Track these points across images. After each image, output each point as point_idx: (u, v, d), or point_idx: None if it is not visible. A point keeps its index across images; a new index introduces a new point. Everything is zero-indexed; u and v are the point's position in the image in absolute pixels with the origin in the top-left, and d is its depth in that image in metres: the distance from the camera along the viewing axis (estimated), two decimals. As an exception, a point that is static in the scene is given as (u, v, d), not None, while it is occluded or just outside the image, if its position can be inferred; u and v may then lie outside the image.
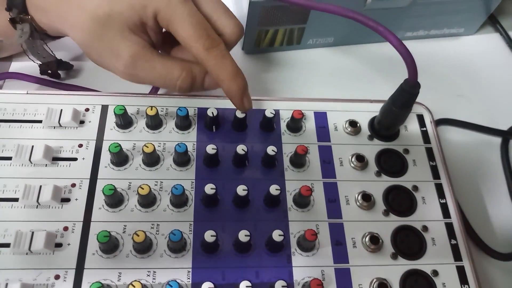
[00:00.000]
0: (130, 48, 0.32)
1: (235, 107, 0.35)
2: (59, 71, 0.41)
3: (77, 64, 0.42)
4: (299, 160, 0.34)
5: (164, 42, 0.36)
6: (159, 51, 0.35)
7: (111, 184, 0.30)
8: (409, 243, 0.32)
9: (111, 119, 0.34)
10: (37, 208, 0.30)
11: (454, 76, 0.47)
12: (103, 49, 0.33)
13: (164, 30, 0.35)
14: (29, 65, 0.40)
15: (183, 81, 0.33)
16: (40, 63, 0.39)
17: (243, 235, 0.29)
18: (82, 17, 0.33)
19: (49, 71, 0.40)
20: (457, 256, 0.32)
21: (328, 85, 0.44)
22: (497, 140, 0.43)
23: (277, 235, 0.29)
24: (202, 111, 0.35)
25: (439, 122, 0.43)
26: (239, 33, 0.35)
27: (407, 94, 0.32)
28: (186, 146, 0.32)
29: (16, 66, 0.42)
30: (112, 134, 0.34)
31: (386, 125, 0.35)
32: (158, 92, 0.40)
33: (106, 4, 0.32)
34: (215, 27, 0.34)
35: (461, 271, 0.31)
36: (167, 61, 0.33)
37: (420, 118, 0.38)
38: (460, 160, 0.41)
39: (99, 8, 0.32)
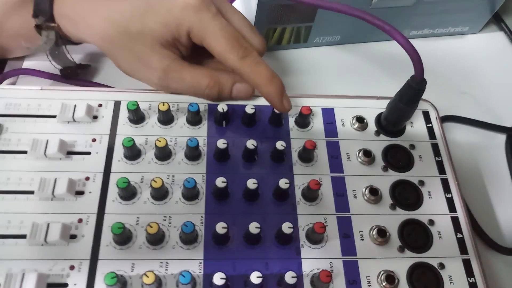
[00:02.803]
0: (161, 62, 0.33)
1: (244, 104, 0.35)
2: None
3: (90, 62, 0.43)
4: (307, 155, 0.34)
5: (196, 54, 0.37)
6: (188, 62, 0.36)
7: (125, 177, 0.30)
8: (416, 236, 0.33)
9: (123, 114, 0.35)
10: (52, 200, 0.31)
11: (458, 74, 0.48)
12: (133, 60, 0.34)
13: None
14: (42, 63, 0.41)
15: (210, 90, 0.34)
16: (61, 67, 0.40)
17: (253, 227, 0.29)
18: (112, 30, 0.34)
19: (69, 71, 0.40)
20: (463, 250, 0.33)
21: (335, 82, 0.45)
22: (502, 137, 0.43)
23: (286, 228, 0.30)
24: (212, 107, 0.36)
25: (444, 119, 0.43)
26: (263, 50, 0.36)
27: (413, 90, 0.33)
28: (198, 140, 0.32)
29: (28, 63, 0.43)
30: (125, 129, 0.35)
31: (392, 121, 0.36)
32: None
33: (138, 19, 0.33)
34: None
35: (467, 264, 0.32)
36: (195, 72, 0.34)
37: (426, 115, 0.39)
38: (465, 156, 0.41)
39: (130, 23, 0.33)
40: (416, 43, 0.32)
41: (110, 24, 0.34)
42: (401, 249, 0.32)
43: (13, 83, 0.41)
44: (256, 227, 0.29)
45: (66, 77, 0.40)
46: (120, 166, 0.33)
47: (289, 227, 0.30)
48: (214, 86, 0.34)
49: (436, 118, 0.38)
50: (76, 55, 0.41)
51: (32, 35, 0.36)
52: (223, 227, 0.29)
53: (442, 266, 0.32)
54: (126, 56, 0.34)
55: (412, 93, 0.33)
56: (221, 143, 0.33)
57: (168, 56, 0.34)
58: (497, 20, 0.51)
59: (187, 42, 0.34)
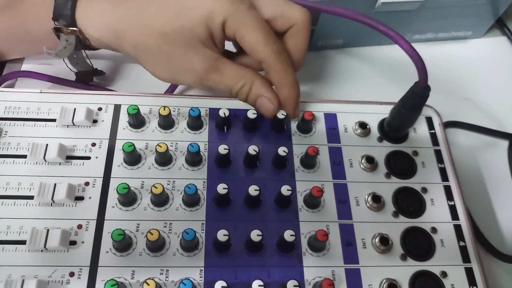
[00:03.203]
0: (204, 62, 0.32)
1: (246, 108, 0.35)
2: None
3: (95, 64, 0.42)
4: (309, 161, 0.34)
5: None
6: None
7: (125, 183, 0.30)
8: (418, 244, 0.32)
9: (123, 118, 0.35)
10: (51, 206, 0.31)
11: (461, 79, 0.48)
12: (173, 65, 0.33)
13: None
14: (40, 66, 0.41)
15: (241, 93, 0.34)
16: (76, 71, 0.39)
17: (255, 235, 0.29)
18: (144, 36, 0.32)
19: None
20: (465, 258, 0.32)
21: (337, 87, 0.45)
22: (504, 143, 0.43)
23: (288, 235, 0.29)
24: (213, 111, 0.36)
25: (447, 125, 0.43)
26: (307, 15, 0.34)
27: (417, 97, 0.33)
28: (199, 146, 0.32)
29: (27, 66, 0.42)
30: (125, 133, 0.34)
31: (395, 127, 0.36)
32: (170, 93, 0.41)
33: (173, 20, 0.32)
34: (284, 21, 0.34)
35: (469, 273, 0.32)
36: (235, 71, 0.33)
37: (429, 121, 0.38)
38: (468, 162, 0.41)
39: (166, 25, 0.32)
40: (418, 47, 0.32)
41: (142, 31, 0.32)
42: (403, 257, 0.32)
43: (12, 85, 0.41)
44: (258, 235, 0.29)
45: (80, 80, 0.40)
46: (120, 171, 0.32)
47: (291, 235, 0.29)
48: (246, 87, 0.33)
49: (439, 124, 0.38)
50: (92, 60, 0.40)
51: (48, 38, 0.35)
52: (224, 234, 0.29)
53: (444, 274, 0.31)
54: (164, 62, 0.33)
55: (415, 99, 0.33)
56: (222, 149, 0.32)
57: (210, 56, 0.33)
58: (500, 25, 0.51)
59: (222, 36, 0.33)
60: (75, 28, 0.35)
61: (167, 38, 0.32)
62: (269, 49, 0.32)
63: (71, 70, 0.39)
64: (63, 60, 0.37)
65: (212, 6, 0.32)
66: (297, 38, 0.34)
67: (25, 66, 0.42)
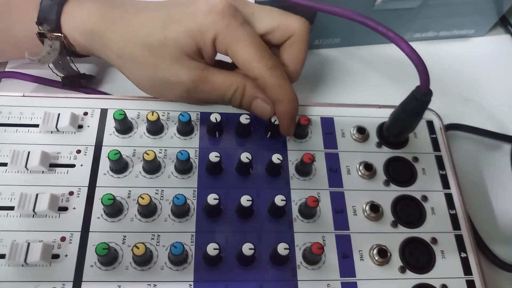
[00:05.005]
0: (190, 74, 0.31)
1: (238, 112, 0.34)
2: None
3: (84, 67, 0.41)
4: (305, 169, 0.32)
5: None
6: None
7: (110, 194, 0.29)
8: (418, 256, 0.31)
9: (110, 123, 0.33)
10: (33, 217, 0.29)
11: (462, 79, 0.46)
12: (158, 78, 0.31)
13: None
14: (26, 65, 0.39)
15: (235, 98, 0.32)
16: (63, 75, 0.38)
17: (247, 249, 0.28)
18: (130, 47, 0.31)
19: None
20: (467, 270, 0.31)
21: (335, 88, 0.43)
22: (508, 147, 0.42)
23: (282, 249, 0.28)
24: (205, 116, 0.34)
25: (447, 128, 0.41)
26: (305, 26, 0.33)
27: (418, 101, 0.31)
28: (189, 153, 0.30)
29: (13, 65, 0.40)
30: (112, 139, 0.33)
31: (395, 132, 0.34)
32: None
33: (159, 31, 0.30)
34: (281, 32, 0.33)
35: (471, 285, 0.31)
36: (225, 78, 0.32)
37: (430, 125, 0.37)
38: (469, 167, 0.40)
39: (151, 36, 0.30)
40: (419, 46, 0.30)
41: (128, 41, 0.31)
42: (402, 270, 0.30)
43: (-4, 87, 0.39)
44: (250, 248, 0.28)
45: (67, 85, 0.38)
46: (106, 180, 0.31)
47: (285, 248, 0.28)
48: (239, 93, 0.32)
49: (441, 128, 0.37)
50: (79, 64, 0.38)
51: (28, 42, 0.34)
52: (214, 248, 0.28)
53: (445, 287, 0.30)
54: (149, 74, 0.31)
55: (416, 104, 0.31)
56: (213, 156, 0.31)
57: (197, 66, 0.31)
58: (504, 23, 0.49)
59: (212, 51, 0.31)
60: (59, 34, 0.33)
61: (152, 49, 0.30)
62: (263, 64, 0.30)
63: (57, 75, 0.37)
64: (48, 65, 0.35)
65: (203, 20, 0.30)
66: (295, 49, 0.33)
67: (10, 66, 0.40)
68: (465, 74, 0.46)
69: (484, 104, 0.44)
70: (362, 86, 0.43)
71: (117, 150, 0.30)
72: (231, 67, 0.35)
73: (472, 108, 0.44)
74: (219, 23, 0.30)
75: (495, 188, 0.39)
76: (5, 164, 0.31)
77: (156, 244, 0.29)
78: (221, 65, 0.35)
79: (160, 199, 0.31)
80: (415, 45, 0.30)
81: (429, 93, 0.31)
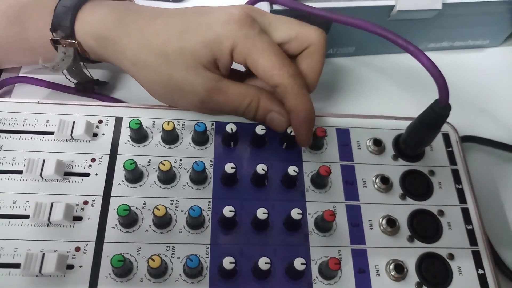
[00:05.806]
0: (205, 84, 0.30)
1: (253, 123, 0.33)
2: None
3: (98, 73, 0.41)
4: (321, 181, 0.32)
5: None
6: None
7: (126, 204, 0.28)
8: (435, 272, 0.31)
9: (125, 132, 0.33)
10: (48, 226, 0.29)
11: (478, 90, 0.45)
12: (172, 87, 0.31)
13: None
14: (39, 69, 0.39)
15: (249, 111, 0.32)
16: (76, 81, 0.37)
17: (263, 263, 0.27)
18: (145, 55, 0.31)
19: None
20: (484, 287, 0.31)
21: (350, 98, 0.43)
22: (524, 160, 0.41)
23: (299, 264, 0.28)
24: (220, 126, 0.34)
25: (463, 140, 0.41)
26: (323, 36, 0.33)
27: (437, 115, 0.31)
28: (204, 164, 0.30)
29: (26, 71, 0.40)
30: (127, 148, 0.32)
31: (412, 145, 0.34)
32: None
33: (176, 40, 0.30)
34: (299, 43, 0.32)
35: (488, 302, 0.30)
36: (239, 90, 0.31)
37: (446, 138, 0.36)
38: (485, 181, 0.39)
39: (167, 44, 0.30)
40: (434, 56, 0.30)
41: (142, 48, 0.31)
42: (419, 286, 0.30)
43: (10, 91, 0.39)
44: (267, 263, 0.27)
45: (80, 91, 0.38)
46: (121, 190, 0.31)
47: (302, 263, 0.28)
48: (253, 105, 0.32)
49: (457, 141, 0.36)
50: (92, 70, 0.38)
51: (41, 48, 0.33)
52: (230, 262, 0.27)
53: (462, 304, 0.30)
54: (162, 82, 0.31)
55: (435, 118, 0.31)
56: (229, 168, 0.30)
57: (212, 77, 0.31)
58: (519, 33, 0.49)
59: (228, 61, 0.31)
60: (73, 40, 0.33)
61: (168, 58, 0.30)
62: (285, 72, 0.30)
63: (71, 81, 0.37)
64: (62, 72, 0.35)
65: (220, 30, 0.30)
66: (312, 59, 0.32)
67: (23, 71, 0.40)
68: (480, 84, 0.46)
69: (499, 115, 0.44)
70: (376, 96, 0.43)
71: (132, 159, 0.30)
72: (243, 76, 0.35)
73: (487, 119, 0.44)
74: (237, 33, 0.30)
75: (511, 201, 0.39)
76: (20, 172, 0.30)
77: (171, 256, 0.29)
78: (234, 73, 0.35)
79: (175, 210, 0.30)
80: (430, 55, 0.29)
81: (448, 107, 0.30)
